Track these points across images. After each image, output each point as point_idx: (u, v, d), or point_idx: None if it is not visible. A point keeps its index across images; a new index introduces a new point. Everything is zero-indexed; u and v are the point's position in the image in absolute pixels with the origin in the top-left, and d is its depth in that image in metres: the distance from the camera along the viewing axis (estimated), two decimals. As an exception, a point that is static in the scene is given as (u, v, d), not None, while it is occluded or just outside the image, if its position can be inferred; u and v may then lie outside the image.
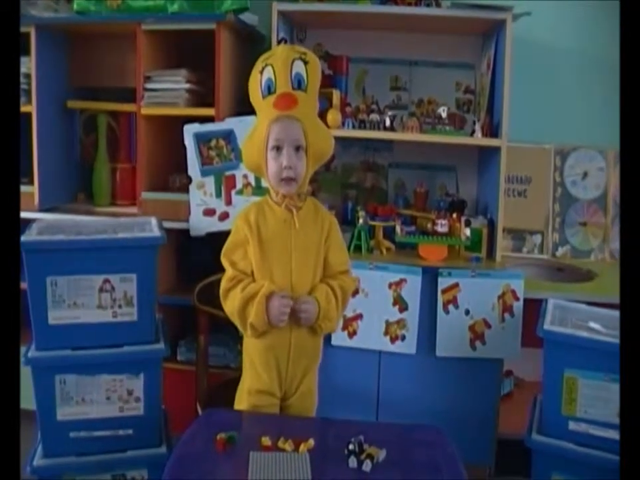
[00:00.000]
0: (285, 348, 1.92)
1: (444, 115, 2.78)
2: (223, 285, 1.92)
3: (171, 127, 2.82)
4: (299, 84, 1.89)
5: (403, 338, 2.57)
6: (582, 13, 3.09)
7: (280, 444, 1.61)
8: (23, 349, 2.06)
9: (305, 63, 1.91)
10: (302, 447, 1.60)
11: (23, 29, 2.72)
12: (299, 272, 1.91)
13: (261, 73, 1.91)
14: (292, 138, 1.87)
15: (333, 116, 2.71)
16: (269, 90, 1.89)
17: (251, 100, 1.98)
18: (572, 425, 2.06)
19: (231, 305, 1.90)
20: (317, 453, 1.60)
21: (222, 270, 2.07)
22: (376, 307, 2.57)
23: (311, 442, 1.62)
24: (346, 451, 1.56)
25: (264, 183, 2.35)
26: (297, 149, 1.88)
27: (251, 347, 1.96)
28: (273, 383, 1.94)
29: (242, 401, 1.98)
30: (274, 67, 1.89)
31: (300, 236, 1.91)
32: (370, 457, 1.54)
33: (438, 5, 2.82)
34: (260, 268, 1.90)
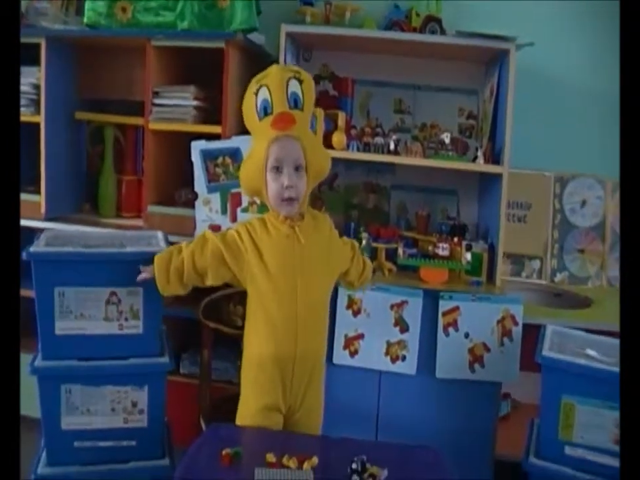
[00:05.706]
0: (290, 360, 1.91)
1: (447, 140, 2.81)
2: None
3: (178, 143, 2.85)
4: (295, 103, 1.90)
5: (404, 358, 2.59)
6: (583, 44, 3.14)
7: (284, 461, 1.62)
8: (29, 358, 2.08)
9: (300, 82, 1.92)
10: (306, 465, 1.61)
11: (33, 40, 2.78)
12: (306, 284, 1.91)
13: (256, 94, 1.92)
14: (292, 157, 1.88)
15: (339, 138, 2.74)
16: (265, 111, 1.90)
17: (245, 122, 1.98)
18: (568, 450, 2.08)
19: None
20: (320, 470, 1.61)
21: (228, 286, 2.09)
22: (377, 327, 2.60)
23: (315, 459, 1.63)
24: (349, 470, 1.56)
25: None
26: (297, 168, 1.89)
27: (255, 362, 1.94)
28: (278, 396, 1.93)
29: (245, 422, 1.96)
30: (269, 88, 1.89)
31: (305, 250, 1.92)
32: (372, 476, 1.55)
33: (443, 33, 2.86)
34: (263, 282, 1.90)
